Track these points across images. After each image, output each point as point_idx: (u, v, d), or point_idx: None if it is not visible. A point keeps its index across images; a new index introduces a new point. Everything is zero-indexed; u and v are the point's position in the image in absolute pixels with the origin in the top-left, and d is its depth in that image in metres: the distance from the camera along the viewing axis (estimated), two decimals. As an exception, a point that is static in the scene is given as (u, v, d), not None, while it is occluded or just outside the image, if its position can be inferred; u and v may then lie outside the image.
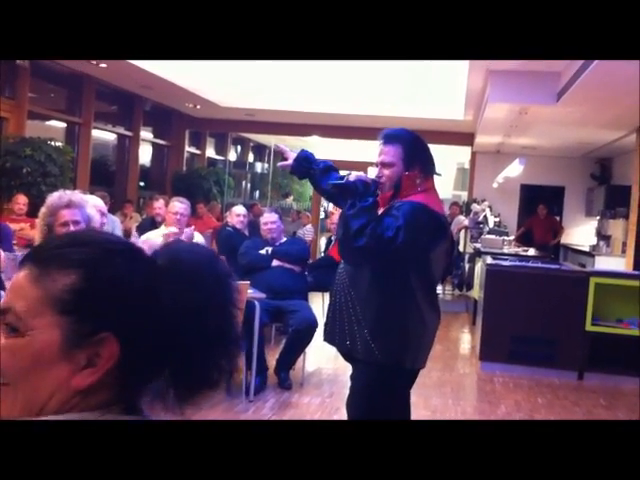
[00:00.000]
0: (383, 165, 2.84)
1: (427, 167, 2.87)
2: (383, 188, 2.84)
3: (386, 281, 2.75)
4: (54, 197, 3.65)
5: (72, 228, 3.59)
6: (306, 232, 11.63)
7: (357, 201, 2.68)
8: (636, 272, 7.84)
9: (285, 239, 6.04)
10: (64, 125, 10.42)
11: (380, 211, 2.81)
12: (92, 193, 5.74)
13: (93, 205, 4.03)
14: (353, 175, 2.81)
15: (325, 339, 3.01)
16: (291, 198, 17.90)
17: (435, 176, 2.94)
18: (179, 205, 5.45)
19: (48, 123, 10.41)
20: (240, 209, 7.11)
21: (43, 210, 3.63)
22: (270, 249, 5.77)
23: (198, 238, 5.52)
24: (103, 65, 9.08)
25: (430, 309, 2.82)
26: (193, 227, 5.38)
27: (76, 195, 3.73)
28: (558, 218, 13.73)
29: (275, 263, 5.70)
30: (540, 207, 12.74)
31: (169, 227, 5.36)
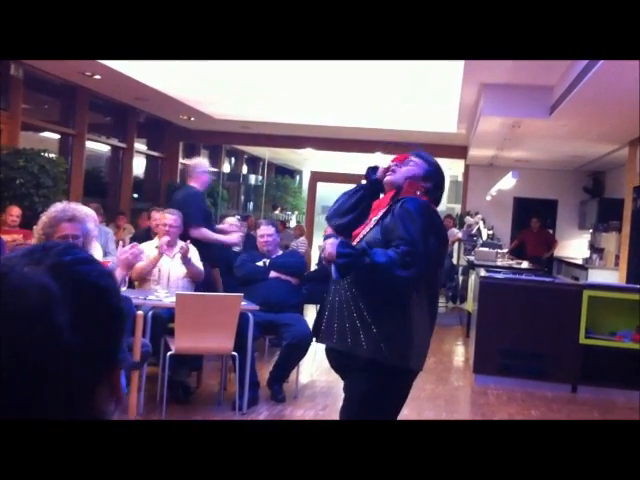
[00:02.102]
0: (401, 165, 2.90)
1: (433, 193, 2.92)
2: (392, 184, 2.89)
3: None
4: (57, 208, 3.60)
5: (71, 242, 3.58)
6: (299, 244, 11.63)
7: (364, 260, 2.57)
8: (629, 285, 7.86)
9: (281, 252, 6.03)
10: (58, 136, 10.41)
11: (381, 212, 2.81)
12: (85, 205, 5.73)
13: (93, 218, 4.03)
14: (326, 251, 2.62)
15: (319, 340, 2.88)
16: (279, 210, 17.81)
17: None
18: (169, 217, 5.47)
19: (42, 134, 10.40)
20: (232, 220, 7.16)
21: (44, 219, 3.59)
22: (267, 261, 5.75)
23: (192, 250, 5.52)
24: (97, 77, 9.08)
25: (431, 307, 2.79)
26: (188, 241, 5.37)
27: (79, 209, 3.70)
28: (551, 231, 13.76)
29: (272, 275, 5.69)
30: (533, 220, 12.76)
31: (161, 238, 5.38)
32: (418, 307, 2.71)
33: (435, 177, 2.92)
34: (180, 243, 5.39)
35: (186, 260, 5.28)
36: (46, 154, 8.50)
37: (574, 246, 13.57)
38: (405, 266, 2.55)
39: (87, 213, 3.78)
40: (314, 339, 3.02)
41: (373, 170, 2.99)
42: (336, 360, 2.88)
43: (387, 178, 2.90)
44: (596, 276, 10.38)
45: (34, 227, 3.74)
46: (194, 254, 5.49)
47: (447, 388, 6.29)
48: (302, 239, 12.15)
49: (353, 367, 2.76)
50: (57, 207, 3.62)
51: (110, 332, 0.84)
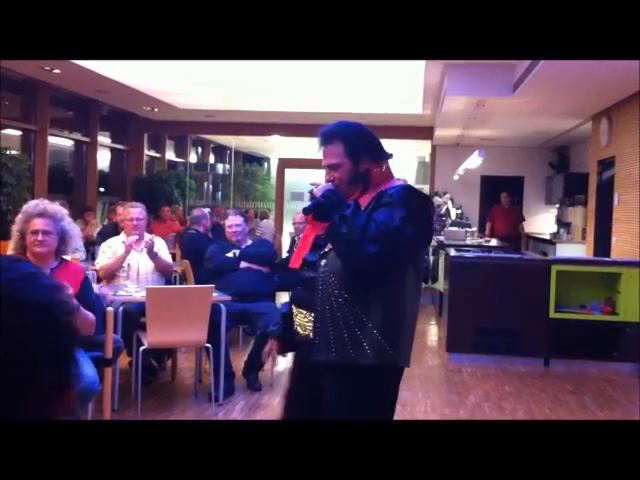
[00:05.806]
0: (330, 167, 2.60)
1: (378, 153, 2.63)
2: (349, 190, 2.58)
3: (386, 275, 2.49)
4: (31, 204, 3.77)
5: (40, 238, 3.61)
6: (263, 227, 11.52)
7: (342, 214, 2.39)
8: (596, 258, 7.98)
9: (250, 241, 6.01)
10: (19, 133, 10.23)
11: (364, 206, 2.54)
12: (51, 201, 5.68)
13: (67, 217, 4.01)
14: (318, 189, 2.52)
15: (317, 357, 2.53)
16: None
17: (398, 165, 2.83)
18: (133, 210, 5.41)
19: (3, 132, 10.21)
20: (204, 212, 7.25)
21: (19, 216, 3.77)
22: (237, 252, 5.73)
23: (160, 243, 5.48)
24: (57, 71, 8.93)
25: (417, 299, 2.63)
26: (153, 235, 5.41)
27: (54, 206, 3.81)
28: (519, 207, 13.85)
29: (243, 265, 5.68)
30: (503, 195, 12.25)
31: (129, 236, 5.31)
32: (412, 299, 2.56)
33: (358, 146, 2.59)
34: (147, 237, 5.35)
35: (152, 254, 5.24)
36: (8, 152, 8.37)
37: (541, 221, 13.73)
38: (373, 241, 2.35)
39: (62, 212, 3.86)
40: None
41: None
42: (333, 364, 2.54)
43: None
44: (564, 250, 10.52)
45: (13, 227, 3.84)
46: (162, 247, 5.46)
47: (422, 368, 6.34)
48: (265, 221, 12.06)
49: (343, 373, 2.53)
50: (30, 203, 3.81)
51: (56, 350, 0.79)
